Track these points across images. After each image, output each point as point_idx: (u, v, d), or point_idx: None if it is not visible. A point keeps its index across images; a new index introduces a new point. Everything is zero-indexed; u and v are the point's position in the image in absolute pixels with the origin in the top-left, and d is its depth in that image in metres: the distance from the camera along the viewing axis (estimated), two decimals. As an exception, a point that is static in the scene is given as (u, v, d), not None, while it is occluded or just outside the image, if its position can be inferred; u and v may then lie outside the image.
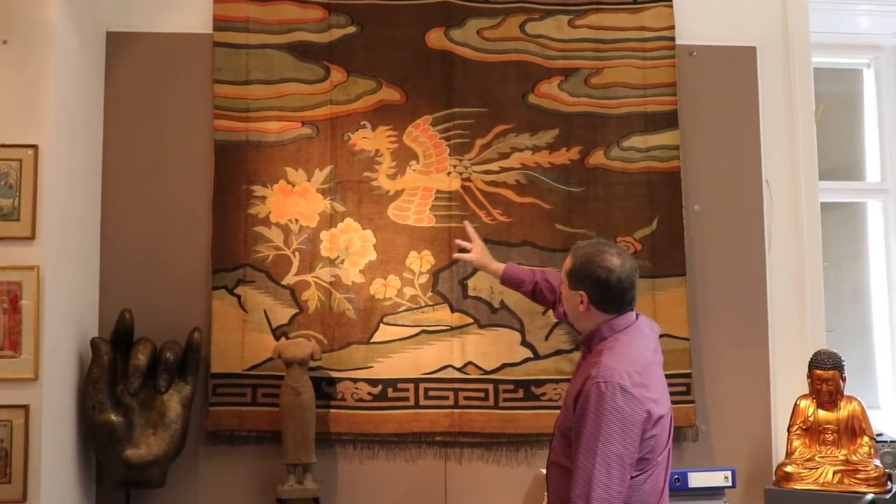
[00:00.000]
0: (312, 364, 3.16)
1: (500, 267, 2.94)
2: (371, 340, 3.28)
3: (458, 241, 3.02)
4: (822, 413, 3.21)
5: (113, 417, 2.97)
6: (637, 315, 2.41)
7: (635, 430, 2.18)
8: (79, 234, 3.10)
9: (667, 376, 3.18)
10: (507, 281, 2.92)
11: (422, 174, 3.36)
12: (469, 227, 3.02)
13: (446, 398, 3.28)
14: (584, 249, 2.38)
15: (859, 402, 3.21)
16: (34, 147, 2.78)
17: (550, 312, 3.24)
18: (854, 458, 3.13)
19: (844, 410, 3.19)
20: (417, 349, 3.29)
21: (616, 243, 2.61)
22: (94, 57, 3.26)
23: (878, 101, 4.08)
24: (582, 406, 2.22)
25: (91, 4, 3.20)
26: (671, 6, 3.51)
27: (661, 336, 3.21)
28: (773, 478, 3.24)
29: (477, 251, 2.97)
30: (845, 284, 4.10)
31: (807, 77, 3.61)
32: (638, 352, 2.32)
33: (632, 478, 2.23)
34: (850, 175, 4.13)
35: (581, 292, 2.34)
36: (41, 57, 2.81)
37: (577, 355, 3.19)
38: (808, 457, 3.18)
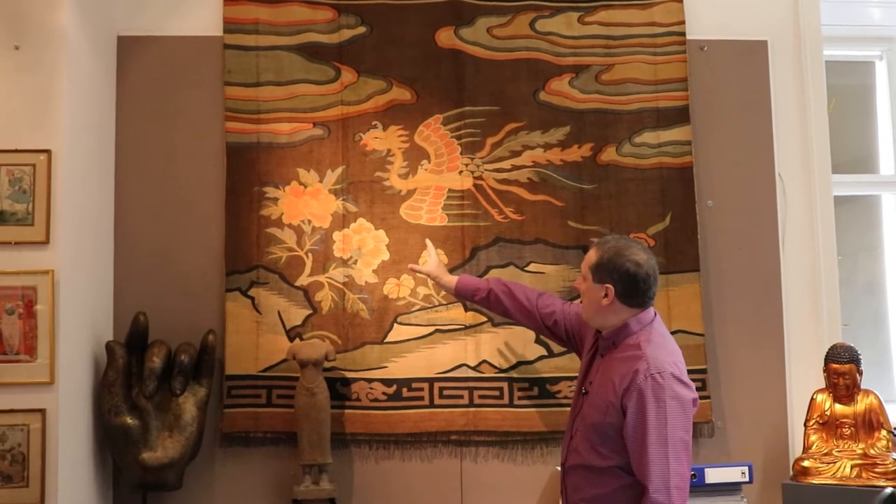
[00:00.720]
0: (327, 365, 3.16)
1: (452, 280, 3.01)
2: (385, 340, 3.28)
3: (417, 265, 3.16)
4: (838, 407, 3.20)
5: (129, 420, 2.98)
6: (655, 311, 2.47)
7: (691, 416, 2.29)
8: (92, 238, 3.11)
9: (682, 372, 3.21)
10: (462, 292, 3.01)
11: (434, 173, 3.36)
12: (429, 243, 3.16)
13: (461, 397, 3.28)
14: (611, 244, 2.44)
15: (876, 396, 3.19)
16: (47, 152, 2.79)
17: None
18: (872, 451, 3.10)
19: (861, 404, 3.17)
20: (432, 348, 3.28)
21: (635, 239, 2.64)
22: (106, 61, 3.27)
23: (891, 92, 4.05)
24: (638, 400, 2.27)
25: (102, 9, 3.21)
26: (681, 1, 3.49)
27: (675, 332, 3.27)
28: (791, 473, 3.23)
29: (432, 264, 3.07)
30: (860, 278, 4.08)
31: (819, 70, 3.59)
32: (673, 345, 2.43)
33: None
34: (864, 168, 4.10)
35: (608, 285, 2.39)
36: (53, 62, 2.82)
37: (591, 352, 3.26)
38: (825, 451, 3.16)
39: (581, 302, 2.58)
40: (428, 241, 3.18)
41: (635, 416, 2.27)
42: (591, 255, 2.45)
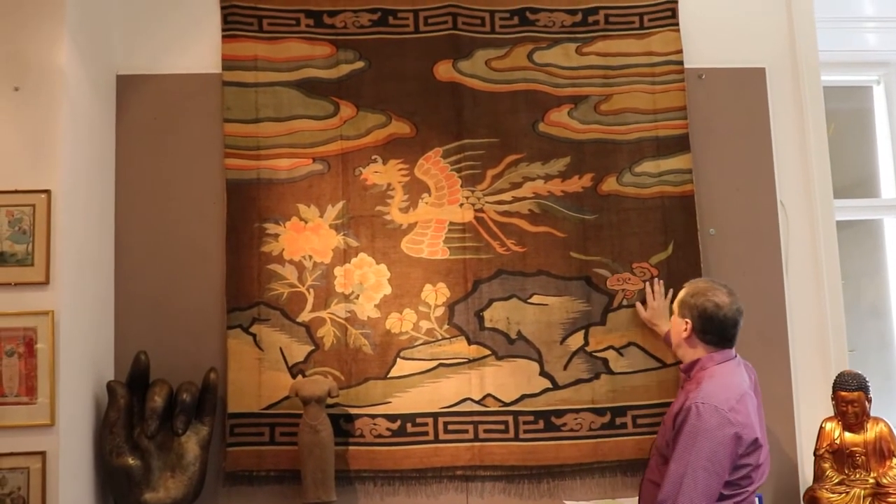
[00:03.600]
0: (330, 401, 3.13)
1: (665, 328, 3.23)
2: (388, 375, 3.25)
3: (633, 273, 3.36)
4: (848, 435, 3.15)
5: (131, 461, 2.95)
6: (735, 354, 2.68)
7: (724, 451, 2.44)
8: (93, 278, 3.10)
9: (689, 403, 3.19)
10: (667, 340, 3.17)
11: (434, 206, 3.35)
12: (658, 286, 3.32)
13: (466, 432, 3.24)
14: (699, 284, 2.75)
15: (886, 424, 3.15)
16: (47, 192, 2.78)
17: (569, 341, 3.29)
18: (884, 480, 3.05)
19: (872, 432, 3.12)
20: (435, 383, 3.25)
21: (726, 284, 2.76)
22: (105, 100, 3.28)
23: (890, 116, 4.06)
24: (680, 423, 2.50)
25: (101, 49, 3.22)
26: (678, 30, 3.50)
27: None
28: (801, 503, 3.18)
29: (653, 308, 3.28)
30: (864, 302, 4.06)
31: (817, 96, 3.59)
32: (735, 381, 2.60)
33: (719, 500, 2.46)
34: (865, 192, 4.10)
35: (687, 320, 2.68)
36: (52, 103, 2.82)
37: (596, 384, 3.31)
38: (837, 481, 3.11)
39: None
40: (657, 283, 3.32)
41: (674, 436, 2.51)
42: (681, 292, 2.76)
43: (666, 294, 3.31)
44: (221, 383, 3.18)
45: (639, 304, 3.31)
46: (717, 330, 2.63)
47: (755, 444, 2.50)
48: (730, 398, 2.49)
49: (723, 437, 2.43)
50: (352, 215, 3.33)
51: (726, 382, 2.56)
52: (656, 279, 3.33)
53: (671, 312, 3.12)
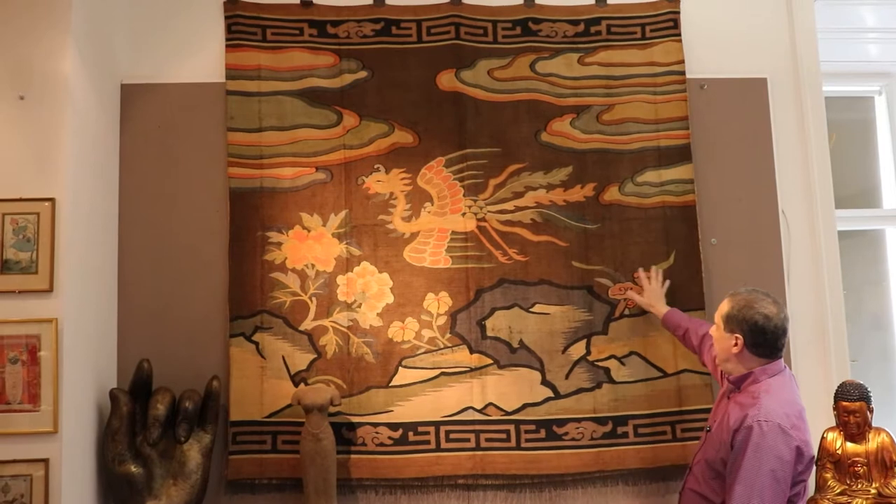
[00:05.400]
0: (332, 409, 3.13)
1: (662, 311, 3.22)
2: (390, 384, 3.25)
3: (635, 283, 3.35)
4: (850, 446, 3.15)
5: (133, 469, 2.95)
6: (784, 365, 2.63)
7: (788, 469, 2.42)
8: (96, 286, 3.11)
9: (689, 412, 3.22)
10: (666, 324, 3.21)
11: (437, 216, 3.36)
12: (655, 270, 3.31)
13: (468, 440, 3.24)
14: (743, 295, 2.64)
15: (888, 434, 3.14)
16: (51, 200, 2.80)
17: (570, 351, 3.28)
18: (886, 491, 3.05)
19: (873, 442, 3.12)
20: (437, 391, 3.26)
21: (769, 292, 2.71)
22: (109, 109, 3.29)
23: (892, 126, 4.07)
24: (742, 442, 2.45)
25: (105, 58, 3.24)
26: (680, 41, 3.52)
27: (682, 371, 3.26)
28: (803, 513, 3.18)
29: (649, 293, 3.27)
30: (866, 312, 4.06)
31: (819, 106, 3.61)
32: (792, 396, 2.57)
33: None
34: (867, 202, 4.10)
35: (737, 335, 2.60)
36: (57, 111, 2.84)
37: (598, 393, 3.29)
38: (838, 491, 3.11)
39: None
40: (654, 269, 3.32)
41: (735, 454, 2.46)
42: (724, 306, 2.66)
43: (663, 282, 3.32)
44: (224, 391, 3.19)
45: (630, 292, 3.31)
46: (769, 343, 2.58)
47: (811, 462, 2.50)
48: (790, 414, 2.47)
49: (787, 455, 2.41)
50: (354, 224, 3.34)
51: (784, 398, 2.52)
52: (653, 267, 3.33)
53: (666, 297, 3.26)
